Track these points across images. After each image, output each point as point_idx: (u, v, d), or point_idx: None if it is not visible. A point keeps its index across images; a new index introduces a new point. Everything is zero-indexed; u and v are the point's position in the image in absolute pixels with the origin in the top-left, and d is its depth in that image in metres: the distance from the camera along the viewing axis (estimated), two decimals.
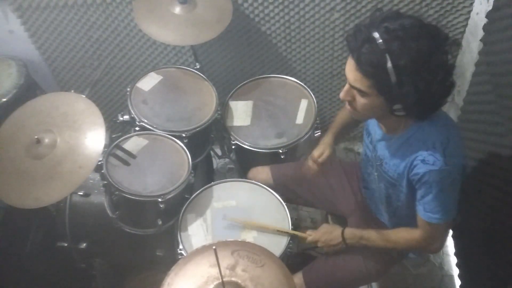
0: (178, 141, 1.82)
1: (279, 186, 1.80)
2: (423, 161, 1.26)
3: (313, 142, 2.02)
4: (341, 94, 1.30)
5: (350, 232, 1.54)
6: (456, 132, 1.33)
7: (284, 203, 1.72)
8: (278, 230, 1.64)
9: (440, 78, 1.18)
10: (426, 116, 1.27)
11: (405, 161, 1.32)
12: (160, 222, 1.75)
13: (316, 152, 1.66)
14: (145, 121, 1.86)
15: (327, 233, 1.58)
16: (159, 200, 1.66)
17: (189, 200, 1.74)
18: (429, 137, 1.28)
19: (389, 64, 1.14)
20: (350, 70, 1.24)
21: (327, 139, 1.69)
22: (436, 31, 1.19)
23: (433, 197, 1.29)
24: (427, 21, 1.21)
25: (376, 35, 1.15)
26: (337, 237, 1.55)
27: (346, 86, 1.28)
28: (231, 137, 1.92)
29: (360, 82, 1.22)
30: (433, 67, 1.16)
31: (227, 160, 2.51)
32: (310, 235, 1.61)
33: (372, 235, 1.51)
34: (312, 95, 2.02)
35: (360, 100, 1.26)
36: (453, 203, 1.33)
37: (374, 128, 1.47)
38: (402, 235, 1.46)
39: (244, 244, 1.26)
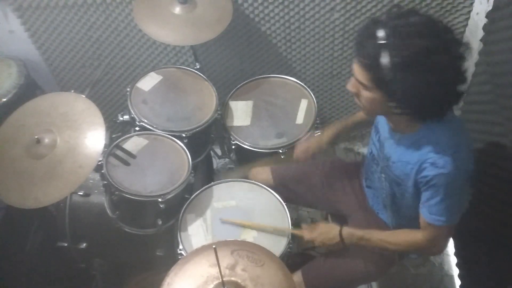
0: (178, 141, 1.82)
1: (279, 186, 1.80)
2: (432, 164, 1.26)
3: None
4: (348, 85, 1.33)
5: (348, 232, 1.52)
6: (467, 138, 1.32)
7: (284, 203, 1.72)
8: (274, 229, 1.63)
9: (440, 81, 1.17)
10: (427, 119, 1.28)
11: (413, 163, 1.32)
12: (160, 222, 1.75)
13: (303, 146, 1.76)
14: (145, 121, 1.86)
15: (324, 234, 1.56)
16: (159, 200, 1.66)
17: (189, 200, 1.74)
18: (439, 141, 1.27)
19: (385, 59, 1.15)
20: (355, 62, 1.26)
21: (323, 135, 1.74)
22: (444, 32, 1.18)
23: (439, 200, 1.28)
24: (440, 22, 1.20)
25: (380, 29, 1.17)
26: (334, 237, 1.53)
27: (352, 78, 1.31)
28: (231, 137, 1.92)
29: (361, 75, 1.24)
30: (431, 67, 1.15)
31: (227, 160, 2.51)
32: (307, 235, 1.59)
33: (372, 236, 1.49)
34: (312, 95, 2.02)
35: (363, 93, 1.28)
36: (459, 207, 1.33)
37: (384, 125, 1.47)
38: (404, 237, 1.44)
39: (244, 244, 1.26)
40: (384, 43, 1.15)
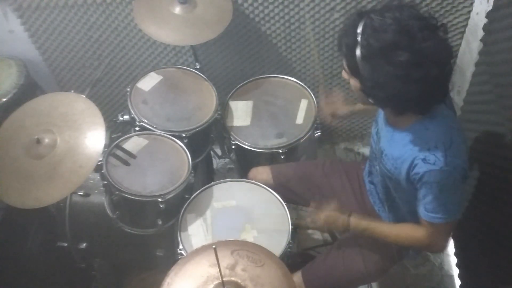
0: (178, 141, 1.82)
1: (280, 187, 1.80)
2: (424, 160, 1.26)
3: (313, 142, 2.03)
4: (342, 73, 1.38)
5: (355, 222, 1.48)
6: (461, 135, 1.31)
7: (284, 203, 1.72)
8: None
9: (405, 77, 1.17)
10: (400, 113, 1.31)
11: (404, 158, 1.32)
12: (160, 222, 1.75)
13: (330, 108, 1.80)
14: (145, 121, 1.86)
15: (330, 220, 1.51)
16: (159, 200, 1.66)
17: (189, 200, 1.74)
18: (432, 137, 1.27)
19: (357, 49, 1.21)
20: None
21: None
22: (417, 30, 1.17)
23: (433, 197, 1.28)
24: (429, 18, 1.21)
25: (360, 21, 1.21)
26: (341, 226, 1.49)
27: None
28: (231, 137, 1.92)
29: (344, 62, 1.31)
30: (393, 62, 1.16)
31: (227, 160, 2.51)
32: (313, 225, 1.55)
33: (376, 228, 1.47)
34: (312, 95, 2.02)
35: (350, 80, 1.33)
36: (456, 204, 1.32)
37: (382, 119, 1.47)
38: (406, 231, 1.43)
39: (244, 244, 1.26)
40: (358, 34, 1.20)
